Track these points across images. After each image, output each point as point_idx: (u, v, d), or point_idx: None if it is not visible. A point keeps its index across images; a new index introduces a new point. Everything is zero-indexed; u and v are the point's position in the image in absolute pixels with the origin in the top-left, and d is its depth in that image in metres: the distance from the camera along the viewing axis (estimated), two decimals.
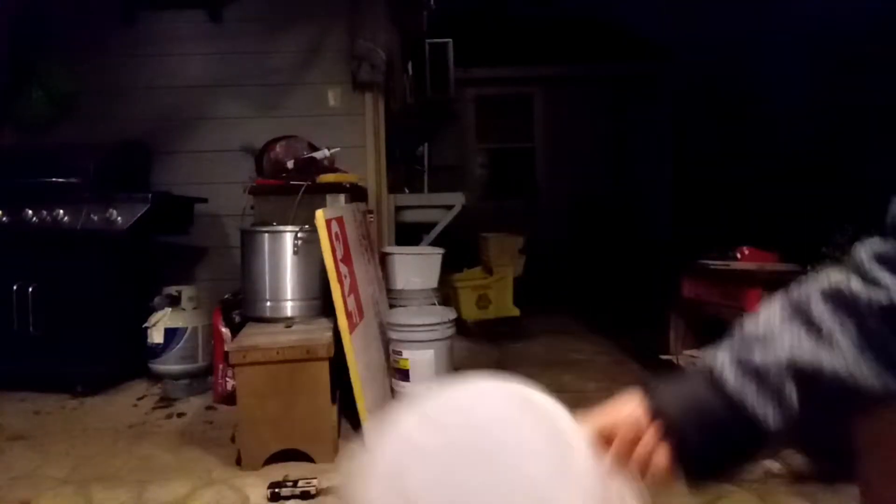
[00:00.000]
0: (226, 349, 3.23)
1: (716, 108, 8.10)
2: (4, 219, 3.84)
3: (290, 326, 3.14)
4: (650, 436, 0.88)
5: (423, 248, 4.90)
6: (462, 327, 4.97)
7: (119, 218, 3.76)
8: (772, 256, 3.61)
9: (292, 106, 4.72)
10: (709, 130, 8.24)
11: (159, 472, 2.65)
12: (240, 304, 3.52)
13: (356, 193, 4.11)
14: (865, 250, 0.87)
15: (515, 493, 0.86)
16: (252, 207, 3.79)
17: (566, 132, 9.18)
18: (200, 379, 3.75)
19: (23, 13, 4.60)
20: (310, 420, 2.73)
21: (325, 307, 3.23)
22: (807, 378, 0.84)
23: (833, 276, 0.89)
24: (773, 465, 2.59)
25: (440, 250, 4.61)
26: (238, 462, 2.69)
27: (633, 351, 4.47)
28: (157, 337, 3.72)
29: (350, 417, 3.05)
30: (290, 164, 3.80)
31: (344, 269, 3.07)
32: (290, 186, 3.67)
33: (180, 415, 3.40)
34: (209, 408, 3.49)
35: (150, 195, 3.91)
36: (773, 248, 3.66)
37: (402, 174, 6.12)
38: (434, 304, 4.20)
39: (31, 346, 3.73)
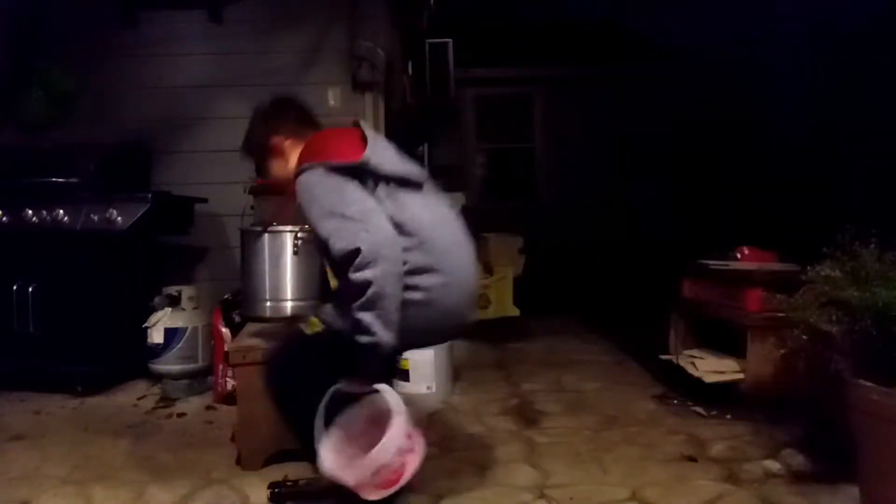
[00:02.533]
0: (226, 349, 3.24)
1: (716, 109, 8.10)
2: (4, 219, 3.84)
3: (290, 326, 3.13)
4: None
5: None
6: None
7: (119, 218, 3.76)
8: (772, 256, 3.61)
9: None
10: (709, 131, 8.24)
11: (159, 472, 2.65)
12: (240, 304, 3.52)
13: None
14: None
15: None
16: (252, 207, 3.79)
17: (566, 132, 9.17)
18: (200, 379, 3.75)
19: (23, 13, 4.60)
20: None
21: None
22: None
23: None
24: (773, 465, 2.59)
25: None
26: (238, 462, 2.69)
27: (633, 351, 4.47)
28: (157, 337, 3.71)
29: None
30: None
31: None
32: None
33: (180, 415, 3.40)
34: (209, 408, 3.49)
35: (150, 195, 3.91)
36: (773, 248, 3.67)
37: None
38: None
39: (31, 346, 3.73)
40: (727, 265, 3.56)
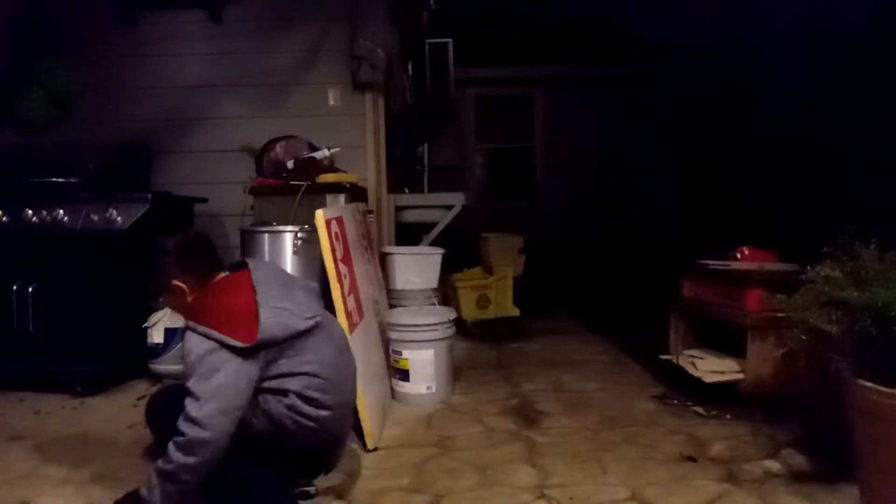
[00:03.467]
0: None
1: (716, 109, 8.10)
2: (4, 219, 3.84)
3: None
4: None
5: (423, 248, 4.90)
6: (462, 327, 4.97)
7: (119, 218, 3.76)
8: (772, 256, 3.61)
9: (292, 106, 4.72)
10: (709, 131, 8.24)
11: None
12: None
13: (356, 193, 4.11)
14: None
15: None
16: (252, 207, 3.80)
17: (566, 132, 9.18)
18: None
19: (23, 13, 4.60)
20: None
21: (324, 307, 3.23)
22: None
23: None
24: (773, 465, 2.59)
25: (440, 250, 4.61)
26: None
27: (633, 351, 4.47)
28: (157, 337, 3.71)
29: None
30: (290, 164, 3.80)
31: (344, 269, 3.07)
32: (290, 186, 3.68)
33: None
34: None
35: (149, 195, 3.90)
36: (773, 248, 3.67)
37: (402, 174, 6.12)
38: (434, 304, 4.20)
39: (31, 346, 3.73)
40: (727, 265, 3.55)
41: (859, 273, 2.17)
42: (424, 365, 3.51)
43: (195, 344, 2.05)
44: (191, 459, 1.94)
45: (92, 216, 3.77)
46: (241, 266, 2.35)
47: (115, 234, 3.74)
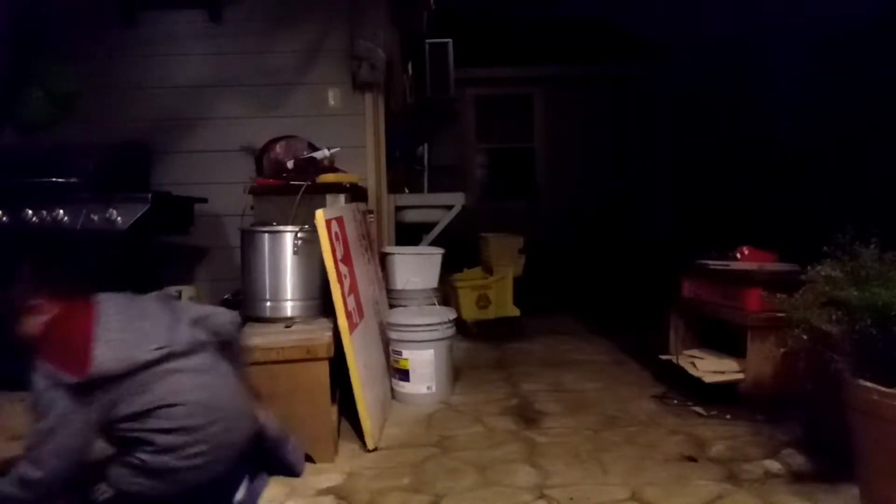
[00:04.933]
0: None
1: (716, 108, 8.10)
2: (4, 219, 3.84)
3: (289, 326, 3.14)
4: None
5: (423, 248, 4.90)
6: (462, 327, 4.97)
7: (119, 218, 3.75)
8: (772, 256, 3.61)
9: (292, 106, 4.71)
10: (708, 131, 8.24)
11: None
12: (240, 304, 3.52)
13: (356, 193, 4.11)
14: None
15: None
16: (252, 207, 3.79)
17: (566, 132, 9.18)
18: None
19: (23, 13, 4.60)
20: (309, 420, 2.73)
21: (325, 307, 3.23)
22: None
23: None
24: (773, 465, 2.59)
25: (440, 250, 4.61)
26: None
27: (633, 351, 4.47)
28: None
29: (350, 417, 3.05)
30: (290, 164, 3.80)
31: (344, 269, 3.07)
32: (290, 186, 3.67)
33: None
34: None
35: (150, 195, 3.89)
36: (772, 248, 3.67)
37: (402, 174, 6.12)
38: (434, 304, 4.20)
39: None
40: (727, 265, 3.55)
41: (859, 273, 2.17)
42: (424, 365, 3.52)
43: (35, 380, 2.01)
44: (21, 494, 1.97)
45: (92, 216, 3.76)
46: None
47: (115, 234, 3.73)
